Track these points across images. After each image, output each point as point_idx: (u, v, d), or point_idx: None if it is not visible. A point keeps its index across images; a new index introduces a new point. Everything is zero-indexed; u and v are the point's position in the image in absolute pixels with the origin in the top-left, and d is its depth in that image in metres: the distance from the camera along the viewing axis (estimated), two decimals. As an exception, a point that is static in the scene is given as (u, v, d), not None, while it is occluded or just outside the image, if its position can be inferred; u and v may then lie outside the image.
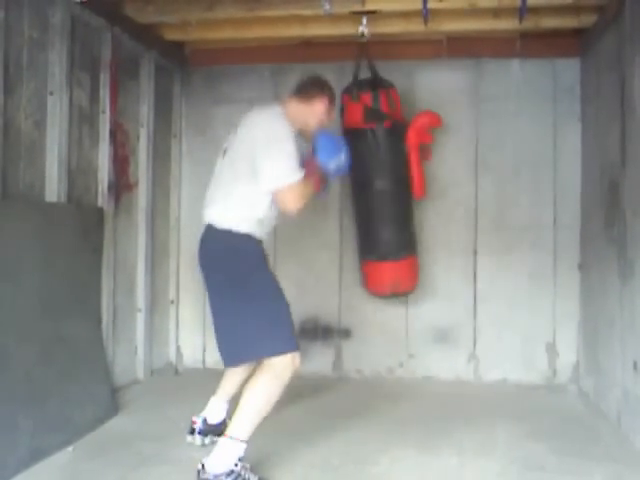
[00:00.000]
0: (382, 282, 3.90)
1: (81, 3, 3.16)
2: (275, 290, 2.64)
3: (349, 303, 4.26)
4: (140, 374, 3.94)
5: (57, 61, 3.12)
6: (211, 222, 2.67)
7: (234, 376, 2.97)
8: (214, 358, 4.42)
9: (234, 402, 2.70)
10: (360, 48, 3.72)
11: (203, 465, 2.43)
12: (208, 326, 4.44)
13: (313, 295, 4.30)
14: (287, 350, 2.53)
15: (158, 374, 4.13)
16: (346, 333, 4.29)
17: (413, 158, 3.76)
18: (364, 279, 4.03)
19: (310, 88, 2.82)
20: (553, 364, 4.09)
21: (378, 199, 3.78)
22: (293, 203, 2.56)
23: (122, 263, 3.74)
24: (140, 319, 3.95)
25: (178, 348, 4.45)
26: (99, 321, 3.43)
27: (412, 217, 3.95)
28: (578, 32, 3.92)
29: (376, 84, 3.72)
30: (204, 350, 4.45)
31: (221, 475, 2.40)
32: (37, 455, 2.65)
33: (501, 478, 2.64)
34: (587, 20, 3.68)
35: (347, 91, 3.74)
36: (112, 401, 3.34)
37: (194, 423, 2.98)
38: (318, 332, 4.32)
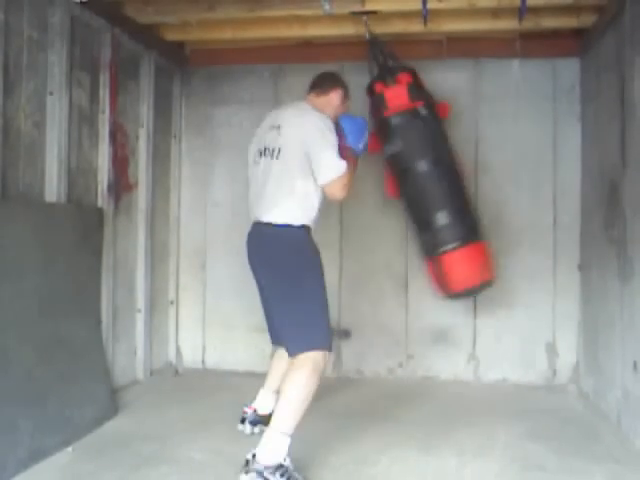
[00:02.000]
0: (466, 273, 3.61)
1: (81, 3, 3.16)
2: (322, 285, 2.74)
3: (349, 303, 4.25)
4: (140, 374, 3.94)
5: (57, 61, 3.12)
6: (269, 220, 2.76)
7: (279, 368, 3.07)
8: (214, 358, 4.45)
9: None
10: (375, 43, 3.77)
11: (254, 455, 2.47)
12: (208, 326, 4.47)
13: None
14: (327, 345, 2.65)
15: (158, 374, 4.13)
16: (346, 333, 4.29)
17: None
18: (440, 278, 3.72)
19: (324, 82, 3.04)
20: (553, 364, 4.09)
21: (442, 180, 3.64)
22: (343, 191, 2.75)
23: (122, 263, 3.74)
24: (140, 319, 3.95)
25: (178, 348, 4.45)
26: (99, 321, 3.43)
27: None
28: (578, 32, 3.92)
29: (405, 67, 3.73)
30: (204, 350, 4.45)
31: (271, 467, 2.44)
32: (37, 455, 2.65)
33: (500, 478, 2.64)
34: (587, 20, 3.68)
35: (380, 78, 3.71)
36: (112, 401, 3.34)
37: (244, 412, 3.13)
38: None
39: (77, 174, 3.35)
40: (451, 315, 4.18)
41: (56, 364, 2.94)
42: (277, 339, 3.02)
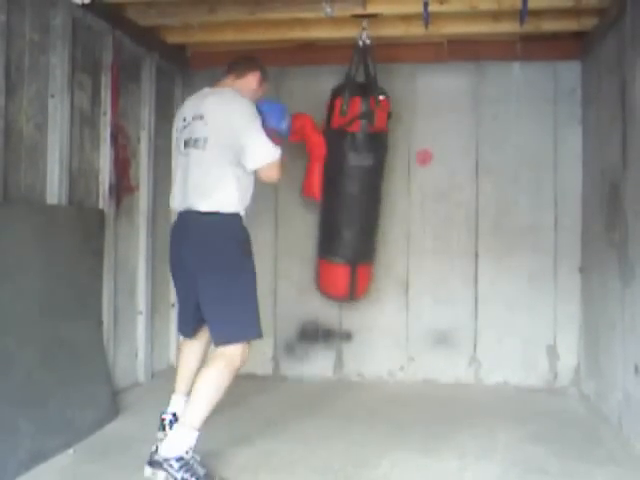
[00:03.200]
0: (336, 284, 3.97)
1: (83, 6, 3.16)
2: (254, 276, 2.73)
3: (350, 306, 4.25)
4: (141, 376, 3.94)
5: (58, 63, 3.12)
6: (199, 208, 2.70)
7: (188, 368, 2.99)
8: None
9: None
10: (359, 53, 3.74)
11: (157, 447, 2.53)
12: (209, 329, 4.46)
13: (314, 298, 4.29)
14: (251, 337, 2.65)
15: (159, 376, 4.12)
16: (347, 336, 4.29)
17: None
18: (320, 279, 4.10)
19: (242, 65, 3.01)
20: (554, 367, 4.09)
21: (369, 203, 3.90)
22: (277, 174, 2.78)
23: (123, 265, 3.74)
24: (141, 322, 3.95)
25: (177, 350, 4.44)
26: (100, 323, 3.43)
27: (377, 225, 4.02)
28: (579, 35, 3.92)
29: (367, 89, 3.73)
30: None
31: (171, 459, 2.47)
32: (37, 457, 2.65)
33: (502, 481, 2.64)
34: (588, 23, 3.68)
35: (338, 92, 3.75)
36: (113, 404, 3.34)
37: (163, 419, 2.96)
38: (319, 335, 4.32)
39: (78, 176, 3.35)
40: (452, 317, 4.18)
41: (57, 366, 2.93)
42: (193, 330, 2.93)
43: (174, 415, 2.94)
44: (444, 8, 3.46)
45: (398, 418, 3.43)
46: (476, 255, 4.18)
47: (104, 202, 3.54)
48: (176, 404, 2.96)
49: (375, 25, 3.69)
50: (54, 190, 3.10)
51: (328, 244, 3.95)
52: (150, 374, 4.03)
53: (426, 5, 3.37)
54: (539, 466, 2.76)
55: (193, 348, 2.99)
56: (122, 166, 3.74)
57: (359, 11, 3.55)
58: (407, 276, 4.23)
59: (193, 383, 2.67)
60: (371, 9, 3.55)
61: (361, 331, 4.26)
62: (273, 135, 2.83)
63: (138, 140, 3.95)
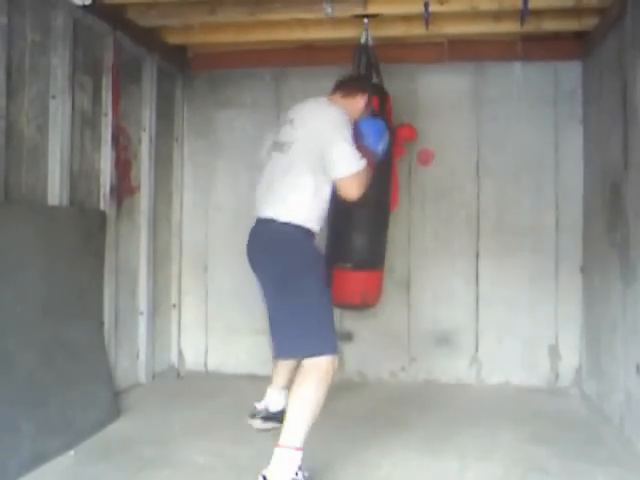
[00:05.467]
0: (352, 291, 3.64)
1: (83, 7, 3.17)
2: (325, 289, 2.67)
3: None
4: (142, 377, 3.94)
5: (59, 64, 3.12)
6: (272, 216, 2.64)
7: (285, 364, 3.18)
8: (216, 362, 4.45)
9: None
10: (361, 52, 3.72)
11: (265, 477, 2.39)
12: (210, 330, 4.47)
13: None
14: (331, 351, 2.56)
15: (160, 377, 4.13)
16: (348, 336, 4.28)
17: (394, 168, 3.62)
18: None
19: (353, 84, 2.98)
20: (555, 367, 4.08)
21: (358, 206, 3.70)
22: (357, 189, 2.64)
23: (124, 266, 3.74)
24: (142, 322, 3.95)
25: (180, 351, 4.45)
26: (101, 324, 3.43)
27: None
28: (580, 35, 3.91)
29: (371, 89, 3.66)
30: (206, 353, 4.45)
31: None
32: (38, 459, 2.65)
33: (503, 482, 2.64)
34: (589, 23, 3.67)
35: (378, 93, 3.66)
36: (114, 404, 3.34)
37: (256, 409, 3.18)
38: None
39: (79, 177, 3.35)
40: (453, 318, 4.17)
41: (58, 367, 2.94)
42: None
43: (267, 409, 3.19)
44: (444, 8, 3.46)
45: (399, 418, 3.43)
46: (477, 255, 4.17)
47: (105, 203, 3.55)
48: (270, 397, 3.22)
49: (375, 25, 3.69)
50: (55, 191, 3.11)
51: (339, 250, 3.69)
52: (151, 375, 4.03)
53: (426, 5, 3.38)
54: (540, 466, 2.76)
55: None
56: (123, 167, 3.74)
57: (359, 11, 3.55)
58: (408, 276, 4.23)
59: (288, 397, 2.57)
60: (371, 9, 3.54)
61: (362, 331, 4.26)
62: (367, 154, 2.73)
63: (139, 141, 3.95)
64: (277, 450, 2.43)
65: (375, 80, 3.69)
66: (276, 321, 2.68)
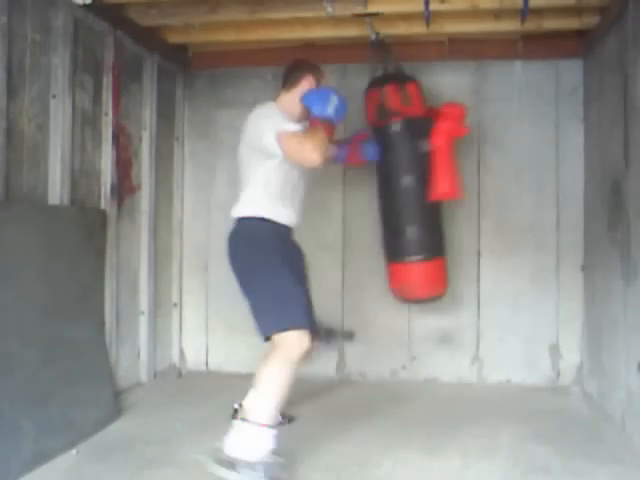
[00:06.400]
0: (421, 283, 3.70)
1: (84, 6, 3.17)
2: (283, 270, 2.70)
3: (352, 305, 4.25)
4: (143, 377, 3.94)
5: (60, 64, 3.12)
6: (233, 216, 2.87)
7: None
8: (217, 360, 4.45)
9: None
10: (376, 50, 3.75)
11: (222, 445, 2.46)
12: (211, 329, 4.47)
13: (315, 297, 4.27)
14: (291, 326, 2.59)
15: (161, 377, 4.13)
16: (349, 335, 4.28)
17: (438, 155, 3.53)
18: (400, 283, 3.77)
19: (292, 74, 2.95)
20: (556, 366, 4.08)
21: (399, 197, 3.68)
22: (308, 152, 2.58)
23: (125, 266, 3.74)
24: (143, 322, 3.95)
25: (181, 351, 4.45)
26: (102, 324, 3.43)
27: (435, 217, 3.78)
28: (580, 33, 3.91)
29: (385, 80, 3.69)
30: (207, 353, 4.45)
31: (242, 462, 2.42)
32: (40, 458, 2.65)
33: (505, 480, 2.64)
34: (589, 21, 3.67)
35: (384, 82, 3.69)
36: (115, 404, 3.35)
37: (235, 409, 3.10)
38: (321, 334, 4.30)
39: (80, 176, 3.35)
40: (454, 316, 4.17)
41: (59, 366, 2.94)
42: None
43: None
44: (445, 7, 3.46)
45: (400, 417, 3.43)
46: (478, 254, 4.17)
47: (106, 202, 3.55)
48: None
49: (376, 24, 3.69)
50: (56, 190, 3.11)
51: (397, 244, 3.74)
52: (152, 374, 4.03)
53: (427, 4, 3.38)
54: (542, 465, 2.76)
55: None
56: (124, 166, 3.74)
57: (360, 10, 3.55)
58: (409, 275, 4.22)
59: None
60: (372, 8, 3.54)
61: (363, 330, 4.26)
62: (317, 122, 2.73)
63: (140, 140, 3.95)
64: (236, 422, 2.52)
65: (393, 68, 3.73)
66: (250, 312, 2.76)
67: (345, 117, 2.90)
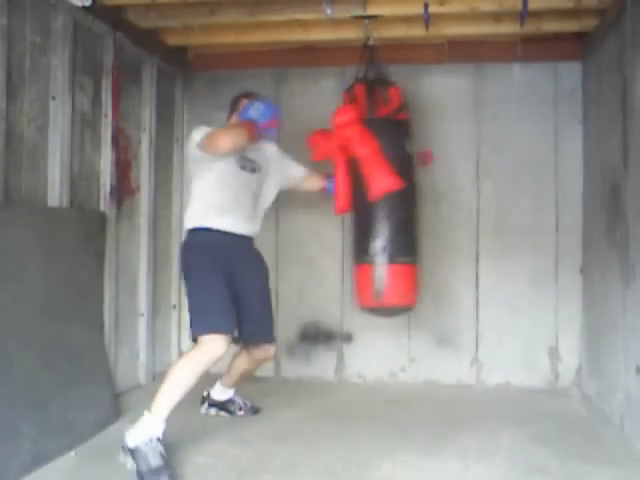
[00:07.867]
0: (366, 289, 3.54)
1: (83, 8, 3.17)
2: (207, 278, 2.93)
3: (351, 307, 4.24)
4: (142, 379, 3.93)
5: (59, 66, 3.12)
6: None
7: (234, 366, 3.48)
8: (216, 363, 4.43)
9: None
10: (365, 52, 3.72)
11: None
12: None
13: (315, 299, 4.30)
14: (205, 330, 2.82)
15: (160, 378, 4.08)
16: (348, 337, 4.28)
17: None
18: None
19: (234, 103, 3.33)
20: (555, 368, 4.08)
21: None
22: (216, 137, 2.91)
23: (124, 268, 3.74)
24: (142, 324, 3.94)
25: (180, 352, 4.44)
26: (101, 325, 3.42)
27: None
28: (579, 36, 3.92)
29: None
30: (206, 354, 4.44)
31: (130, 449, 2.61)
32: (39, 460, 2.65)
33: (504, 482, 2.64)
34: (588, 24, 3.68)
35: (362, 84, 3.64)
36: (114, 406, 3.34)
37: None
38: (320, 336, 4.32)
39: (79, 178, 3.35)
40: (453, 318, 4.18)
41: (58, 368, 2.94)
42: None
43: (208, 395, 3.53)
44: (444, 9, 3.46)
45: (399, 419, 3.43)
46: (477, 256, 4.18)
47: (105, 204, 3.54)
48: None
49: (375, 26, 3.69)
50: (55, 192, 3.10)
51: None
52: (151, 376, 4.02)
53: (426, 6, 3.38)
54: (541, 467, 2.76)
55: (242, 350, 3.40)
56: (123, 168, 3.74)
57: (359, 12, 3.55)
58: (408, 277, 4.22)
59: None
60: (371, 10, 3.55)
61: (362, 332, 4.26)
62: (242, 124, 3.04)
63: (139, 142, 3.95)
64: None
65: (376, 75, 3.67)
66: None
67: (278, 117, 3.11)
